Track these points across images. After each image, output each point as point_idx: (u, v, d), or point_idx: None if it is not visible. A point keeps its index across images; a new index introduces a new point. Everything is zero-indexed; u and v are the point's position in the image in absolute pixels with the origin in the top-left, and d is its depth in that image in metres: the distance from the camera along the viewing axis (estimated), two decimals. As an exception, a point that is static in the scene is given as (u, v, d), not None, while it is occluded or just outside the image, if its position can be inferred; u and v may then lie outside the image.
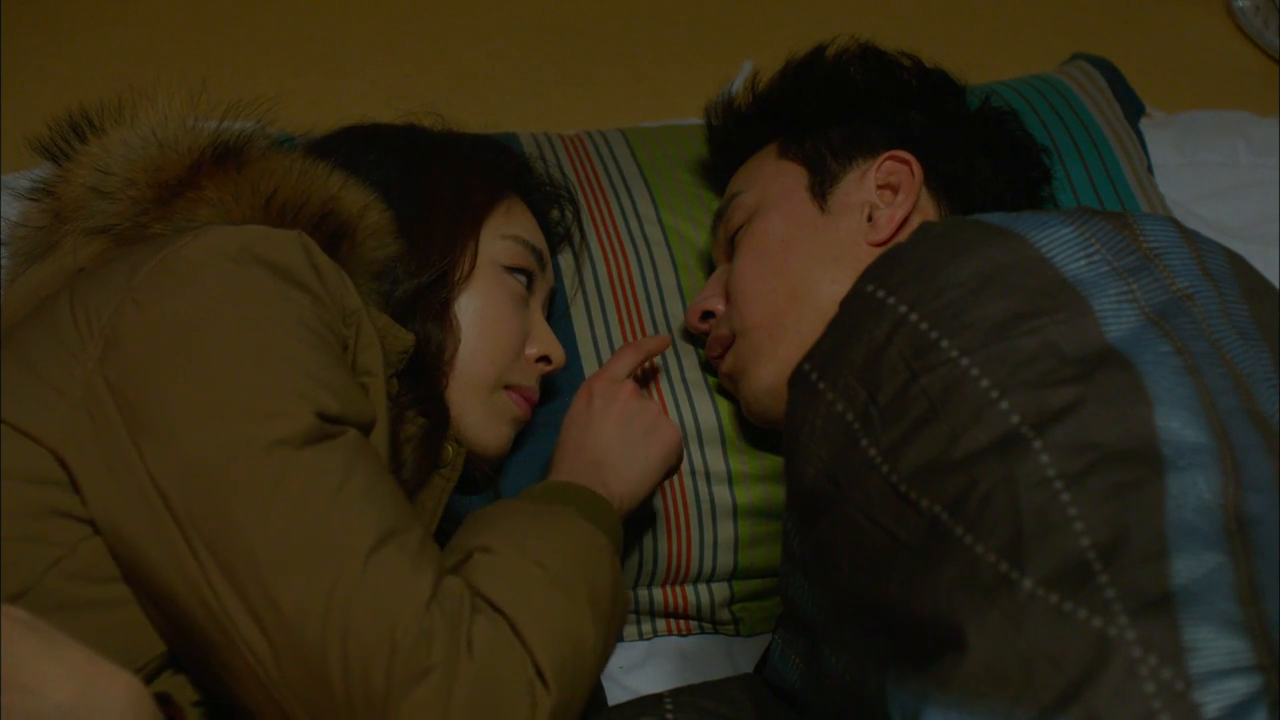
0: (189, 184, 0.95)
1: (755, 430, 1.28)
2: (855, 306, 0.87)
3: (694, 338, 1.32)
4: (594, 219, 1.39)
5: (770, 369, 1.19)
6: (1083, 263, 0.83)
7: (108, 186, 0.95)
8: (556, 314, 1.31)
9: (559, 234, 1.33)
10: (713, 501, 1.26)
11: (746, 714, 1.01)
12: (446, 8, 1.97)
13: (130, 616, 0.82)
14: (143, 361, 0.82)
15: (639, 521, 1.24)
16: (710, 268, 1.38)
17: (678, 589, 1.29)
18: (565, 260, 1.35)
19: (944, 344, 0.80)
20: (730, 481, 1.26)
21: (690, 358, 1.31)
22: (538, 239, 1.20)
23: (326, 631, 0.77)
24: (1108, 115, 1.55)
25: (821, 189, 1.22)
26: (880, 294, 0.85)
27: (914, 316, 0.83)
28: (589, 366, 1.30)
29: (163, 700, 0.76)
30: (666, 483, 1.24)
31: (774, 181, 1.26)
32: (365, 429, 0.89)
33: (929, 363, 0.80)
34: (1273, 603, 0.67)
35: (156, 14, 1.92)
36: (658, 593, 1.28)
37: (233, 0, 1.97)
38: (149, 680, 0.83)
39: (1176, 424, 0.74)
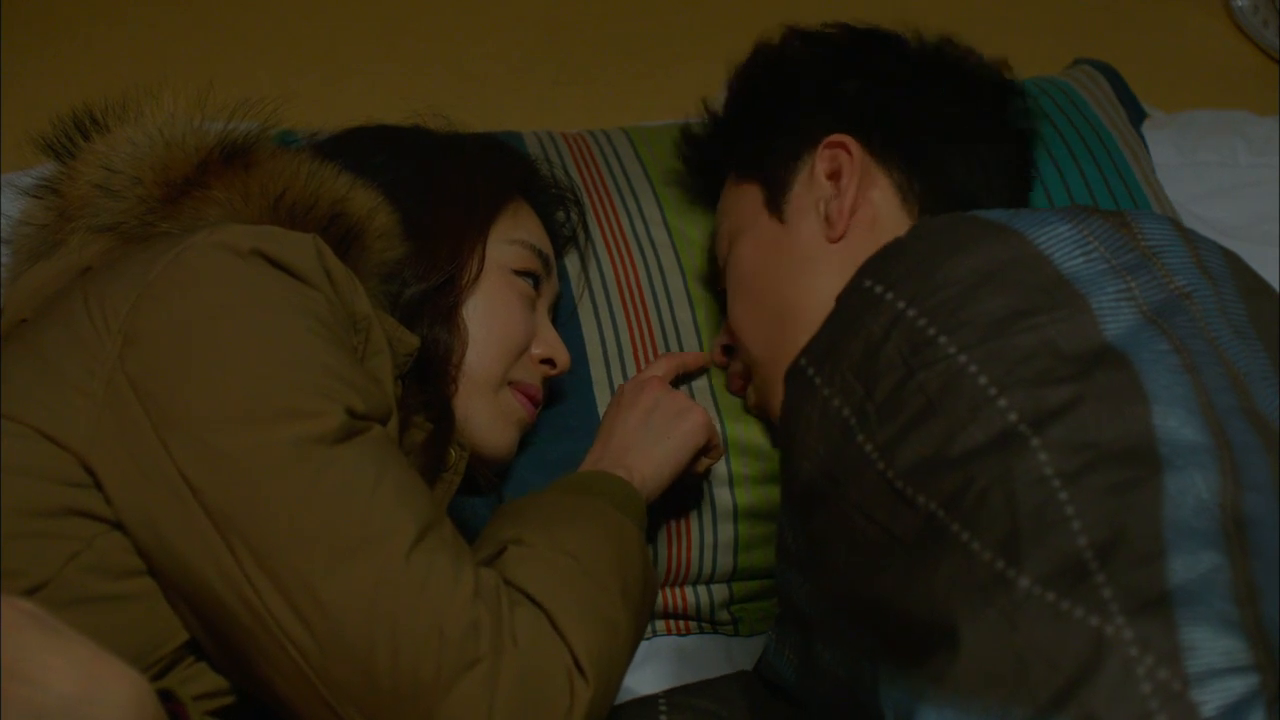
0: (196, 183, 0.95)
1: (755, 433, 1.28)
2: (853, 301, 0.87)
3: (696, 338, 1.33)
4: (599, 220, 1.39)
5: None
6: (1081, 260, 0.83)
7: (114, 184, 0.95)
8: (563, 316, 1.31)
9: (564, 236, 1.33)
10: (713, 503, 1.26)
11: (741, 712, 1.01)
12: (448, 7, 1.97)
13: (146, 610, 0.82)
14: (164, 357, 0.82)
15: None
16: (716, 278, 1.38)
17: (677, 590, 1.29)
18: (571, 262, 1.35)
19: (942, 340, 0.80)
20: (731, 484, 1.26)
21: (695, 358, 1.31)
22: (544, 243, 1.20)
23: (374, 626, 0.78)
24: (1113, 118, 1.56)
25: (776, 201, 1.20)
26: (878, 289, 0.85)
27: (912, 312, 0.82)
28: (597, 370, 1.30)
29: (166, 697, 0.77)
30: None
31: (737, 206, 1.25)
32: (385, 424, 0.89)
33: (927, 359, 0.80)
34: (1270, 603, 0.67)
35: (157, 14, 1.92)
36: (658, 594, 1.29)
37: (233, 0, 1.97)
38: (164, 673, 0.83)
39: (1174, 423, 0.74)
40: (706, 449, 1.17)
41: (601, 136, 1.51)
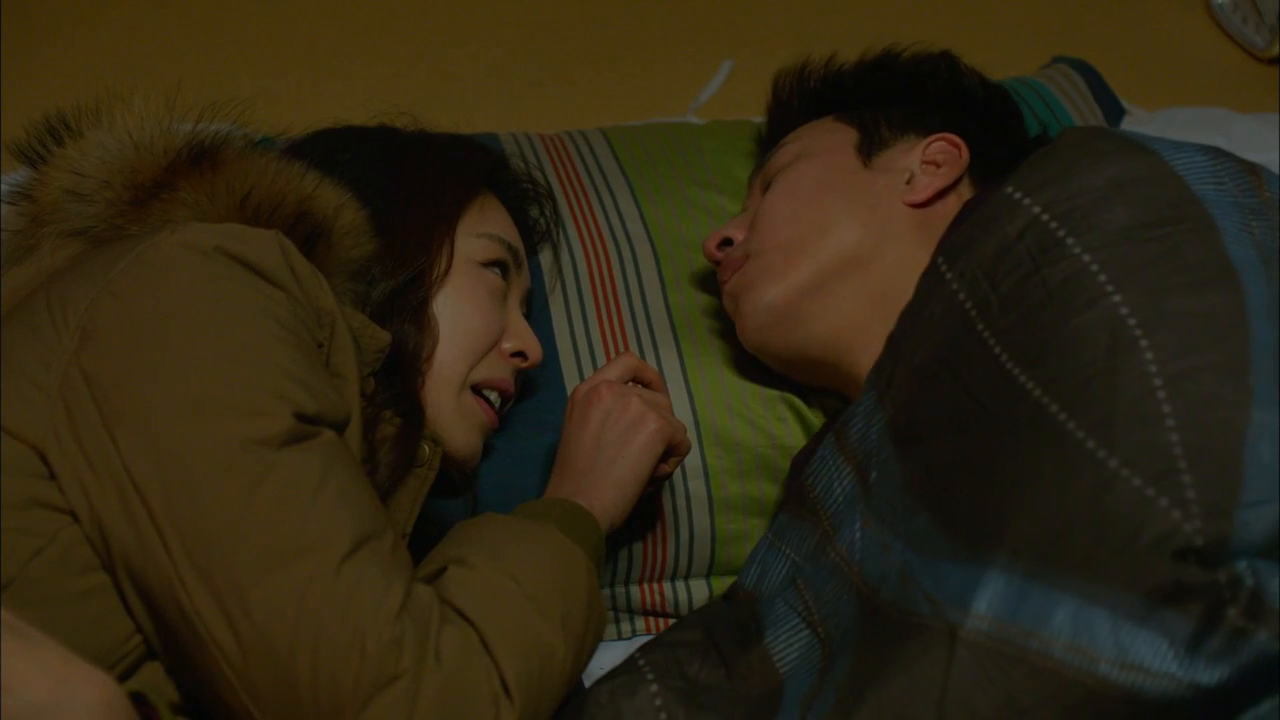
0: (165, 185, 0.96)
1: (729, 425, 1.27)
2: (993, 205, 0.94)
3: (668, 323, 1.32)
4: (574, 217, 1.39)
5: (777, 287, 1.19)
6: (1211, 187, 0.89)
7: (84, 189, 0.96)
8: (534, 311, 1.30)
9: (538, 232, 1.33)
10: (688, 496, 1.26)
11: (710, 626, 1.03)
12: (427, 8, 1.97)
13: (110, 605, 0.82)
14: (118, 353, 0.82)
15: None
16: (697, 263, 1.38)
17: (655, 586, 1.29)
18: (544, 258, 1.35)
19: (1069, 241, 0.87)
20: (706, 476, 1.26)
21: (668, 346, 1.30)
22: (512, 235, 1.20)
23: (297, 635, 0.77)
24: (1087, 119, 1.57)
25: (869, 149, 1.25)
26: (1018, 195, 0.93)
27: (1045, 216, 0.90)
28: (567, 364, 1.30)
29: (137, 699, 0.77)
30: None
31: (822, 136, 1.29)
32: (340, 429, 0.89)
33: (1053, 257, 0.87)
34: None
35: (155, 15, 1.92)
36: (635, 590, 1.28)
37: (213, 2, 1.97)
38: (132, 670, 0.83)
39: (1265, 365, 0.79)
40: (670, 452, 1.13)
41: (579, 136, 1.51)
